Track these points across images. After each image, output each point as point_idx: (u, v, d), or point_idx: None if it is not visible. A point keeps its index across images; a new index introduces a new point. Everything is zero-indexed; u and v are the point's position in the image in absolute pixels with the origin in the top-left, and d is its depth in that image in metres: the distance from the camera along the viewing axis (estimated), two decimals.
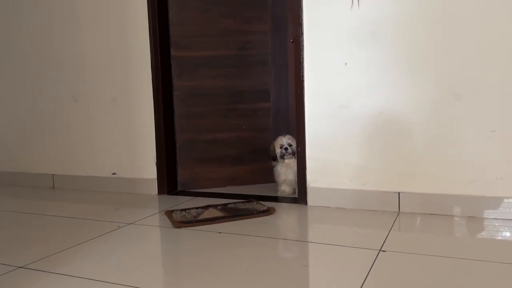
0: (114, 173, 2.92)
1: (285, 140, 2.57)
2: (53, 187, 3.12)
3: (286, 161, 2.56)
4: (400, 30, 2.13)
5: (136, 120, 2.82)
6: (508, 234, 1.85)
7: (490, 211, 2.03)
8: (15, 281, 1.50)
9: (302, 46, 2.33)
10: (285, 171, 2.59)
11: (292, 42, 2.43)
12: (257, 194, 2.67)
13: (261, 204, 2.36)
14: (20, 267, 1.61)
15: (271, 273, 1.49)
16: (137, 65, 2.77)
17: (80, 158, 3.02)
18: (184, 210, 2.29)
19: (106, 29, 2.84)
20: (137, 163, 2.85)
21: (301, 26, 2.32)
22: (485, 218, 2.03)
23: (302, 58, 2.33)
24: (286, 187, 2.62)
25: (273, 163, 2.66)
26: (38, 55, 3.09)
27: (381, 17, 2.16)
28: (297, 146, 2.41)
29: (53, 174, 3.12)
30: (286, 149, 2.55)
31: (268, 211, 2.22)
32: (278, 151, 2.58)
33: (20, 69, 3.18)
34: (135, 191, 2.85)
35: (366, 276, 1.43)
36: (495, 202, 2.02)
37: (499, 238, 1.82)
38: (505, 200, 2.00)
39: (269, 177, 2.95)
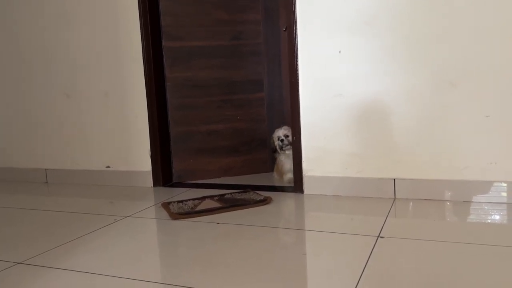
0: (108, 166, 2.90)
1: (281, 132, 2.64)
2: (46, 182, 3.09)
3: (287, 152, 2.60)
4: (394, 19, 2.13)
5: (129, 112, 2.80)
6: (498, 217, 1.88)
7: (484, 195, 2.06)
8: (15, 277, 1.49)
9: (296, 34, 2.32)
10: (290, 161, 2.61)
11: (284, 30, 2.42)
12: (253, 184, 2.67)
13: (257, 194, 2.37)
14: (18, 263, 1.60)
15: (271, 263, 1.50)
16: (129, 57, 2.74)
17: (74, 152, 3.00)
18: (181, 201, 2.29)
19: (97, 22, 2.80)
20: (131, 156, 2.83)
21: (294, 14, 2.31)
22: (479, 202, 2.06)
23: (296, 47, 2.33)
24: (291, 175, 2.65)
25: (275, 154, 2.72)
26: (29, 50, 3.05)
27: (375, 5, 2.16)
28: (293, 136, 2.41)
29: (46, 169, 3.09)
30: (282, 140, 2.59)
31: (265, 201, 2.23)
32: (276, 143, 2.64)
33: (11, 64, 3.13)
34: (130, 184, 2.84)
35: (366, 263, 1.45)
36: (489, 186, 2.05)
37: (492, 221, 1.84)
38: (498, 184, 2.03)
39: (264, 167, 2.97)
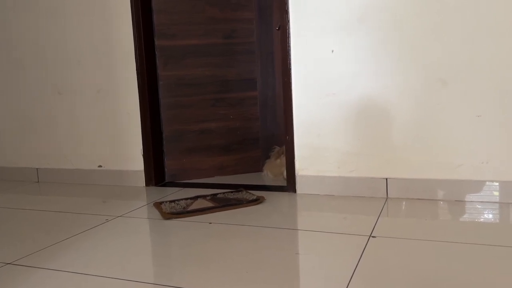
0: (100, 166, 2.88)
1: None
2: (38, 181, 3.07)
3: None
4: (387, 17, 2.13)
5: (122, 111, 2.78)
6: (490, 216, 1.89)
7: (476, 194, 2.07)
8: (5, 277, 1.48)
9: (289, 33, 2.31)
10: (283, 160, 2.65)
11: (278, 29, 2.41)
12: (246, 183, 2.67)
13: (250, 193, 2.36)
14: (8, 264, 1.59)
15: (264, 262, 1.50)
16: (121, 55, 2.72)
17: (65, 151, 2.97)
18: (173, 201, 2.27)
19: (89, 20, 2.78)
20: (124, 155, 2.81)
21: (287, 13, 2.30)
22: (471, 201, 2.07)
23: (289, 45, 2.32)
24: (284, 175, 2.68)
25: (270, 153, 2.79)
26: (20, 47, 3.02)
27: (369, 4, 2.16)
28: (286, 135, 2.41)
29: (37, 168, 3.07)
30: None
31: (258, 200, 2.22)
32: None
33: (2, 61, 3.09)
34: (122, 183, 2.82)
35: (358, 262, 1.45)
36: (481, 185, 2.06)
37: (484, 221, 1.85)
38: (490, 184, 2.04)
39: (257, 166, 2.96)
